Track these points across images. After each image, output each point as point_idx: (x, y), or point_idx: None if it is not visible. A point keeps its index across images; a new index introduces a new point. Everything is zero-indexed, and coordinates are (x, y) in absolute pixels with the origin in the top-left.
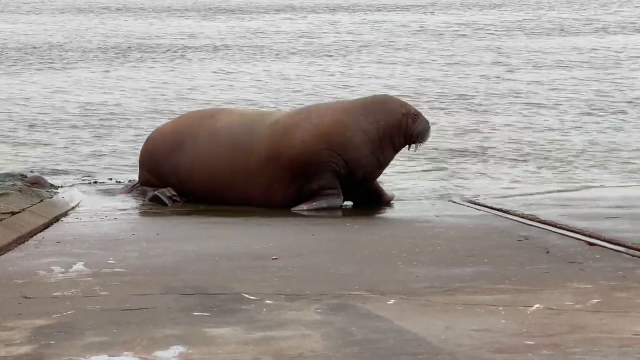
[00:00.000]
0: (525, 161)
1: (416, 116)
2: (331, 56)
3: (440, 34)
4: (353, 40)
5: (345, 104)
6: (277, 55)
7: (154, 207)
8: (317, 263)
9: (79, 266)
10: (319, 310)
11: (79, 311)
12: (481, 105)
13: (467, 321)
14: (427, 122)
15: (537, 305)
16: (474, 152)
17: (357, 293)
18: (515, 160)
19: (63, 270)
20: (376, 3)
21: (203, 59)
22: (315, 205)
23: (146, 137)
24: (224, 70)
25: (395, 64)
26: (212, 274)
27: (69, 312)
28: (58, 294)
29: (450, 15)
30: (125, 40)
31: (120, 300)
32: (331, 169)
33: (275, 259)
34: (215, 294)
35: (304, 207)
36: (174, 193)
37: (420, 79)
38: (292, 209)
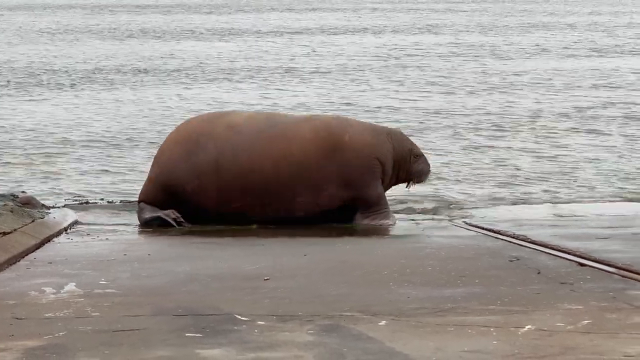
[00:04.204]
0: (509, 182)
1: (418, 157)
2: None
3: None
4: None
5: (368, 124)
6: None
7: (145, 227)
8: (308, 283)
9: (71, 287)
10: (311, 331)
11: (71, 332)
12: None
13: (458, 342)
14: (428, 165)
15: (528, 326)
16: (459, 172)
17: (349, 314)
18: (499, 179)
19: (54, 290)
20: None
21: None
22: (383, 222)
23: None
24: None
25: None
26: (204, 294)
27: (61, 333)
28: (49, 314)
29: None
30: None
31: (111, 321)
32: (379, 176)
33: (267, 279)
34: (206, 315)
35: (371, 222)
36: (177, 215)
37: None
38: (355, 222)
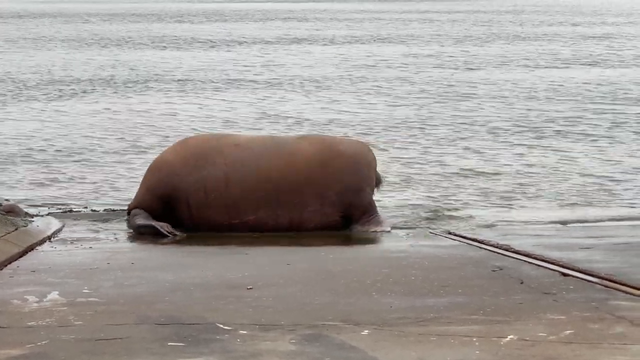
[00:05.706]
0: (493, 191)
1: None
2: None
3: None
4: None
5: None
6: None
7: (129, 235)
8: (291, 293)
9: (54, 295)
10: (293, 341)
11: (53, 341)
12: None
13: (441, 352)
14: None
15: (510, 336)
16: (443, 182)
17: (332, 323)
18: (483, 188)
19: (37, 299)
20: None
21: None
22: (377, 229)
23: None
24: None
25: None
26: (187, 303)
27: (43, 342)
28: (32, 323)
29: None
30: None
31: (94, 330)
32: (370, 183)
33: (250, 288)
34: (189, 324)
35: (368, 227)
36: (172, 229)
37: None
38: (353, 228)
